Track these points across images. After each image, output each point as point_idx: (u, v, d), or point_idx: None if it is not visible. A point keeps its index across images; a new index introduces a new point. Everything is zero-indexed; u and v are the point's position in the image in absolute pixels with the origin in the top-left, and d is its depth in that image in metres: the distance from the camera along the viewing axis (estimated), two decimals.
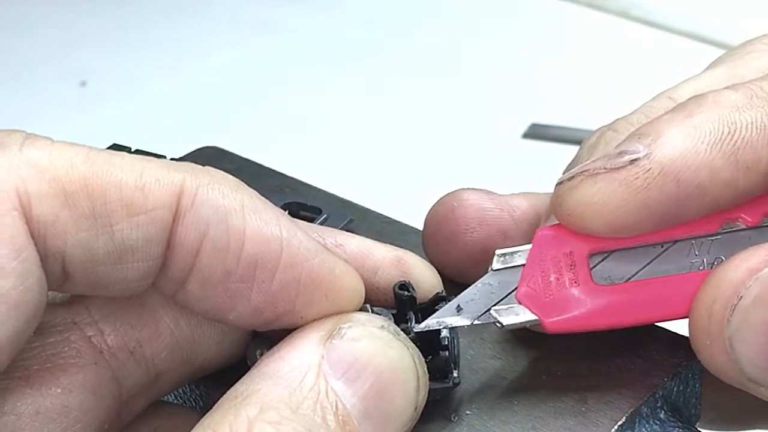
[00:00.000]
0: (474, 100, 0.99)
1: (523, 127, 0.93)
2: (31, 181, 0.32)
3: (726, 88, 0.38)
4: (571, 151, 0.42)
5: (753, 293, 0.35)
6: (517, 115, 0.94)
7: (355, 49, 1.10)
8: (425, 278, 0.40)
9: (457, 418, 0.38)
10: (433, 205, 0.44)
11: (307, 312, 0.35)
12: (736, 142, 0.36)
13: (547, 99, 0.97)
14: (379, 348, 0.34)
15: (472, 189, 0.44)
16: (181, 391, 0.41)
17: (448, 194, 0.44)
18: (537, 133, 0.92)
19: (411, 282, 0.39)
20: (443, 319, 0.38)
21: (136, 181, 0.33)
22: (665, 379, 0.39)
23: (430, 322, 0.37)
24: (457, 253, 0.43)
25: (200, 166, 0.35)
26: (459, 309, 0.38)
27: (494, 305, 0.38)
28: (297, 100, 1.00)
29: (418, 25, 1.15)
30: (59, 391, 0.34)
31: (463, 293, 0.38)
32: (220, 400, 0.33)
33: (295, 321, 0.35)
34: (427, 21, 1.16)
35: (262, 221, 0.34)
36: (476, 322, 0.38)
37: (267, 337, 0.37)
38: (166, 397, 0.40)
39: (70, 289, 0.34)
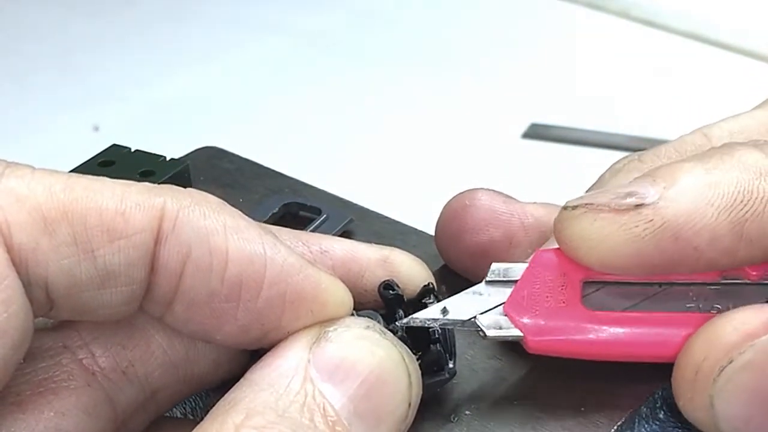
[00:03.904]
0: (474, 99, 0.99)
1: (523, 127, 0.92)
2: (10, 209, 0.32)
3: (757, 147, 0.37)
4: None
5: (745, 359, 0.35)
6: (517, 115, 0.94)
7: (355, 50, 1.10)
8: (414, 274, 0.40)
9: (456, 418, 0.38)
10: (449, 200, 0.45)
11: (294, 327, 0.35)
12: (746, 213, 0.35)
13: (547, 99, 0.97)
14: (365, 347, 0.34)
15: (489, 190, 0.44)
16: None
17: (465, 191, 0.44)
18: (537, 133, 0.92)
19: (396, 280, 0.39)
20: (426, 317, 0.37)
21: (116, 206, 0.33)
22: (665, 380, 0.39)
23: (416, 317, 0.37)
24: (462, 251, 0.43)
25: (182, 189, 0.35)
26: (445, 311, 0.37)
27: (480, 314, 0.37)
28: (297, 101, 1.00)
29: (418, 25, 1.15)
30: (52, 414, 0.34)
31: (452, 297, 0.38)
32: (210, 411, 0.33)
33: (282, 337, 0.35)
34: (427, 21, 1.16)
35: (245, 240, 0.34)
36: (459, 326, 0.37)
37: None
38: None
39: (56, 315, 0.34)
